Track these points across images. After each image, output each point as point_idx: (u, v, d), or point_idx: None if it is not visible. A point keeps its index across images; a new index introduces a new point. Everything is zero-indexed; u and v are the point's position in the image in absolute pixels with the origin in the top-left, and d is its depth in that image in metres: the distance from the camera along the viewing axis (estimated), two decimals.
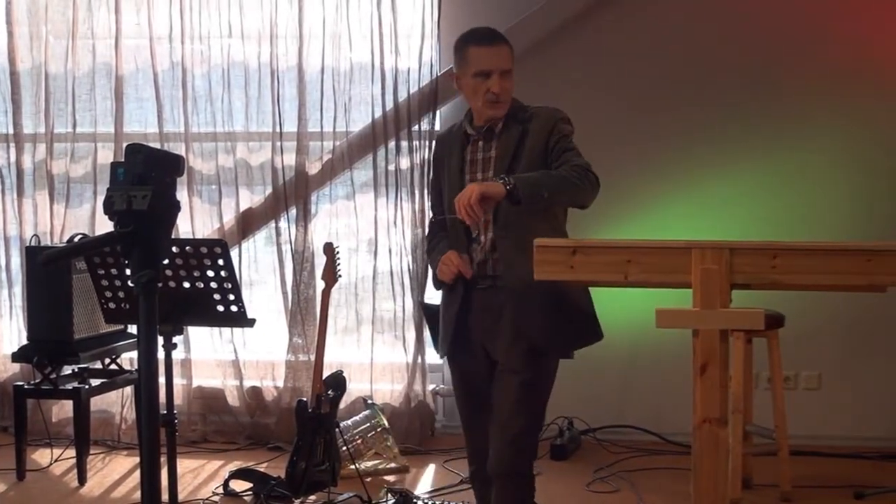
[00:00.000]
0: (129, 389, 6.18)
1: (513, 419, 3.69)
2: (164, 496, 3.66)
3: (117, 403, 6.31)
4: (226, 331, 6.30)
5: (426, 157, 6.05)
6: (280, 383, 6.34)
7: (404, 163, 6.18)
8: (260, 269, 6.45)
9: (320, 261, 5.52)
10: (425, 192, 5.99)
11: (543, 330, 3.70)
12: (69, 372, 5.77)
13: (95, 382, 5.72)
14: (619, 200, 6.04)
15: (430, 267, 4.09)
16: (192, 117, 6.35)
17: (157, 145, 6.06)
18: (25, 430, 5.61)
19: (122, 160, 2.55)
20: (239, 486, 5.32)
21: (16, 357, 5.74)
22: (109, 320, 4.76)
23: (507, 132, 3.75)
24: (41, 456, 5.93)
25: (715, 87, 6.13)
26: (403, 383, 6.22)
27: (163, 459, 2.89)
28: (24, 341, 5.86)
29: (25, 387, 5.64)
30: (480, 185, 3.47)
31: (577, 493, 5.35)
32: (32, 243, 6.02)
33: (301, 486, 4.94)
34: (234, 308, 4.33)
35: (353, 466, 5.28)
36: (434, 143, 4.31)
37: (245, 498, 5.23)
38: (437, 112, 6.18)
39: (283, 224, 6.34)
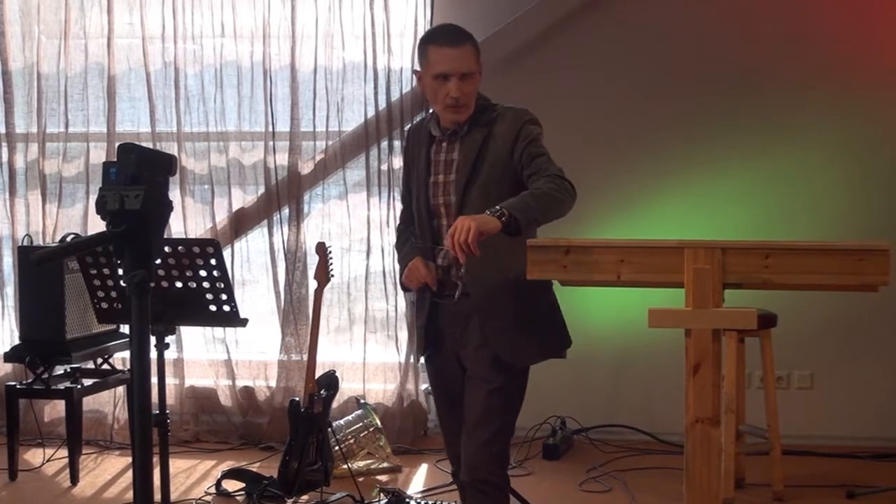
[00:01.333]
0: (121, 389, 6.18)
1: (481, 428, 3.64)
2: (157, 496, 3.67)
3: (110, 403, 6.31)
4: (218, 330, 6.30)
5: None
6: (272, 383, 6.34)
7: (397, 162, 6.17)
8: (252, 268, 6.45)
9: (313, 260, 5.53)
10: None
11: (508, 342, 3.63)
12: (61, 372, 5.76)
13: (88, 382, 5.71)
14: (612, 200, 6.06)
15: (398, 264, 3.99)
16: (184, 117, 6.34)
17: (149, 145, 6.07)
18: (18, 430, 5.60)
19: (115, 160, 2.55)
20: (231, 485, 5.32)
21: (8, 357, 5.73)
22: (102, 320, 4.75)
23: (470, 136, 3.64)
24: (33, 456, 5.92)
25: (707, 86, 6.13)
26: (396, 383, 6.22)
27: (155, 459, 2.89)
28: (17, 341, 5.85)
29: (18, 387, 5.63)
30: (475, 220, 3.29)
31: (570, 492, 5.35)
32: (25, 243, 6.02)
33: (293, 485, 4.94)
34: (226, 308, 4.32)
35: (345, 466, 5.28)
36: (406, 134, 4.10)
37: (237, 498, 5.23)
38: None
39: (275, 224, 6.33)
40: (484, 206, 3.44)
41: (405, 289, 3.87)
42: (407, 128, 4.28)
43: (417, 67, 3.75)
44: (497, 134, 3.62)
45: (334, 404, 5.45)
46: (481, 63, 3.68)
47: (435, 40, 3.62)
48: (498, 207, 3.33)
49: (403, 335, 6.22)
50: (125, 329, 5.86)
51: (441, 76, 3.58)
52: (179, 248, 4.25)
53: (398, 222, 4.08)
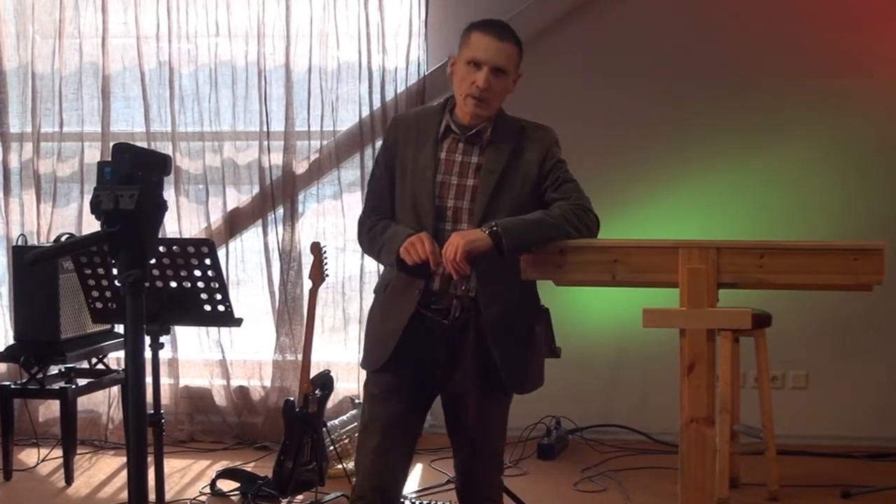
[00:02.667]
0: (116, 389, 6.16)
1: (483, 455, 3.64)
2: (152, 496, 3.67)
3: (104, 403, 6.30)
4: (213, 330, 6.29)
5: None
6: (267, 383, 6.33)
7: None
8: (247, 268, 6.44)
9: (307, 260, 5.52)
10: None
11: (516, 371, 3.53)
12: (56, 372, 5.75)
13: (82, 382, 5.70)
14: (606, 200, 5.97)
15: (372, 249, 3.59)
16: (179, 116, 6.33)
17: (144, 144, 6.06)
18: (12, 430, 5.59)
19: (109, 159, 2.55)
20: (226, 485, 5.31)
21: (2, 357, 5.72)
22: (96, 320, 4.75)
23: (496, 143, 3.49)
24: (28, 456, 5.91)
25: (702, 87, 6.13)
26: None
27: (150, 459, 2.89)
28: (11, 341, 5.83)
29: (12, 386, 5.62)
30: (463, 238, 3.26)
31: (565, 492, 5.35)
32: (19, 243, 6.00)
33: (288, 485, 4.93)
34: (221, 308, 4.33)
35: (340, 466, 5.28)
36: (391, 125, 3.74)
37: (232, 498, 5.22)
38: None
39: (270, 223, 6.33)
40: None
41: (400, 266, 3.42)
42: (393, 117, 3.98)
43: (455, 53, 3.57)
44: (528, 149, 3.50)
45: (329, 404, 5.44)
46: (519, 73, 3.55)
47: (481, 28, 3.49)
48: (494, 224, 3.29)
49: None
50: (120, 329, 5.85)
51: (474, 63, 3.43)
52: (174, 247, 4.25)
53: (365, 217, 3.64)
